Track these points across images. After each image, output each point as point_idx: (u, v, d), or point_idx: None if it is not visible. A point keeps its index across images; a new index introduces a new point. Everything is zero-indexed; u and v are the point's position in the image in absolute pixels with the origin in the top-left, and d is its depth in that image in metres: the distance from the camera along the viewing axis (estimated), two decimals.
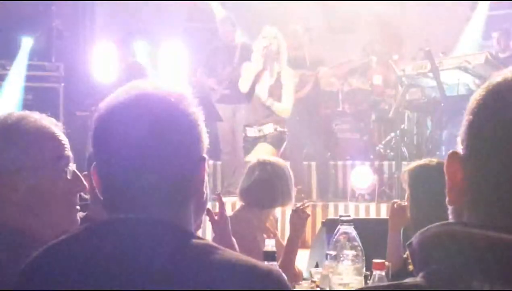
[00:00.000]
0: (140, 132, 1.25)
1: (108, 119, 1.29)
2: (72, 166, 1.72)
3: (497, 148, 0.89)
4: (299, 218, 3.46)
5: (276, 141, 6.00)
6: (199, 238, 1.27)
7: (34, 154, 1.66)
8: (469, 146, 0.93)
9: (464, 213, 0.94)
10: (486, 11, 9.50)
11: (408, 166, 3.27)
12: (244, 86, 6.04)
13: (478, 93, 0.95)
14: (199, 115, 1.31)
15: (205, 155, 1.32)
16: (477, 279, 0.85)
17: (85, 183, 1.74)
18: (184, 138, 1.28)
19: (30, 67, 7.87)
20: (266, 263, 2.00)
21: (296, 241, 3.48)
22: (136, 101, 1.28)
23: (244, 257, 1.24)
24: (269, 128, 5.98)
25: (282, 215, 5.65)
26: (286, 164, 3.78)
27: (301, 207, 3.51)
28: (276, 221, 3.83)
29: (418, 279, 0.91)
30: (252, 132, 6.06)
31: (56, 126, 1.73)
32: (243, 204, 3.58)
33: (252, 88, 5.94)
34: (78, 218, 1.74)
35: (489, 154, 0.90)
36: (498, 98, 0.92)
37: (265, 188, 3.51)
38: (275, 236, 3.58)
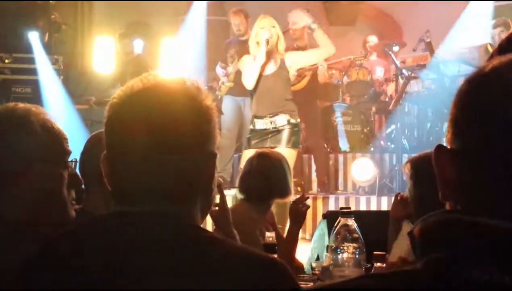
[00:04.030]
0: (150, 124, 1.24)
1: (120, 108, 1.28)
2: (72, 162, 1.74)
3: (492, 141, 0.88)
4: (298, 209, 3.45)
5: (295, 139, 5.61)
6: (204, 230, 1.28)
7: (45, 147, 1.68)
8: (462, 140, 0.92)
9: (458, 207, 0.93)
10: (492, 1, 9.46)
11: (410, 158, 3.25)
12: (249, 82, 5.65)
13: (466, 85, 0.93)
14: (214, 111, 1.31)
15: (216, 151, 1.31)
16: (477, 267, 0.84)
17: (81, 180, 1.76)
18: (196, 132, 1.27)
19: (28, 60, 7.86)
20: None
21: (295, 232, 3.48)
22: (151, 92, 1.27)
23: (249, 249, 1.24)
24: (282, 120, 5.58)
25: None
26: (284, 156, 3.77)
27: (301, 199, 3.51)
28: (273, 214, 3.81)
29: (417, 266, 0.90)
30: (262, 124, 5.63)
31: (57, 121, 1.74)
32: (242, 197, 3.57)
33: (258, 82, 5.64)
34: (73, 213, 1.75)
35: (485, 147, 0.89)
36: (489, 90, 0.90)
37: (263, 179, 3.50)
38: (275, 229, 3.57)
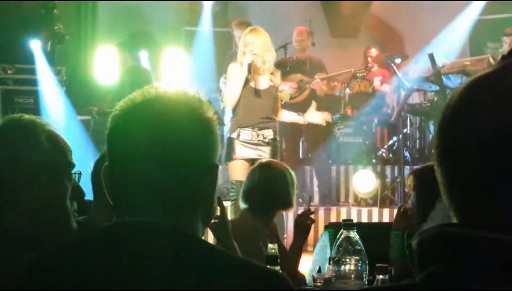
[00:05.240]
0: (151, 136, 1.25)
1: (122, 121, 1.29)
2: (76, 174, 1.74)
3: (485, 153, 0.87)
4: (304, 223, 3.46)
5: (276, 154, 5.55)
6: (205, 242, 1.28)
7: (50, 159, 1.68)
8: (439, 152, 0.92)
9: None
10: (477, 15, 9.57)
11: (413, 169, 3.25)
12: (230, 103, 5.55)
13: (458, 94, 0.93)
14: (215, 123, 1.32)
15: (217, 163, 1.32)
16: (474, 280, 0.84)
17: (84, 192, 1.76)
18: (198, 144, 1.28)
19: (31, 71, 7.87)
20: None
21: (300, 245, 3.49)
22: (153, 104, 1.28)
23: (250, 261, 1.24)
24: (269, 135, 5.48)
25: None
26: (288, 167, 3.75)
27: (307, 212, 3.51)
28: (275, 225, 3.80)
29: (416, 280, 0.90)
30: (247, 135, 5.46)
31: (60, 132, 1.74)
32: (245, 207, 3.56)
33: (249, 95, 5.46)
34: (75, 224, 1.75)
35: (477, 159, 0.88)
36: (478, 98, 0.90)
37: (265, 191, 3.49)
38: (278, 240, 3.56)
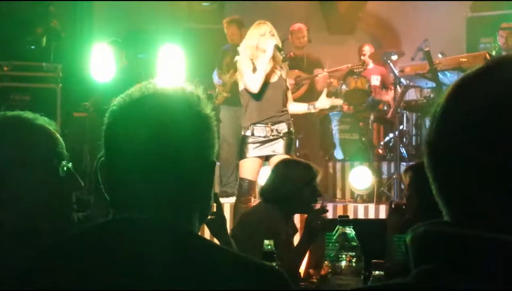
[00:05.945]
0: (149, 132, 1.24)
1: (119, 116, 1.28)
2: (67, 164, 1.71)
3: (473, 152, 0.87)
4: (314, 222, 3.41)
5: (292, 147, 5.51)
6: (202, 238, 1.28)
7: (26, 151, 1.65)
8: (432, 149, 0.93)
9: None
10: (472, 11, 9.60)
11: (409, 165, 3.25)
12: (256, 86, 5.36)
13: (448, 92, 0.94)
14: (213, 119, 1.32)
15: (214, 159, 1.32)
16: (465, 279, 0.84)
17: (81, 181, 1.73)
18: (195, 141, 1.28)
19: (27, 68, 7.85)
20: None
21: (307, 245, 3.44)
22: (151, 100, 1.28)
23: (246, 257, 1.24)
24: (284, 129, 5.42)
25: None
26: (311, 165, 3.75)
27: (320, 210, 3.48)
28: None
29: (409, 278, 0.91)
30: (262, 131, 5.39)
31: (49, 125, 1.72)
32: (262, 199, 3.60)
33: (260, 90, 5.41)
34: (75, 217, 1.73)
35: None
36: (466, 97, 0.91)
37: (281, 188, 3.51)
38: (294, 232, 3.58)
